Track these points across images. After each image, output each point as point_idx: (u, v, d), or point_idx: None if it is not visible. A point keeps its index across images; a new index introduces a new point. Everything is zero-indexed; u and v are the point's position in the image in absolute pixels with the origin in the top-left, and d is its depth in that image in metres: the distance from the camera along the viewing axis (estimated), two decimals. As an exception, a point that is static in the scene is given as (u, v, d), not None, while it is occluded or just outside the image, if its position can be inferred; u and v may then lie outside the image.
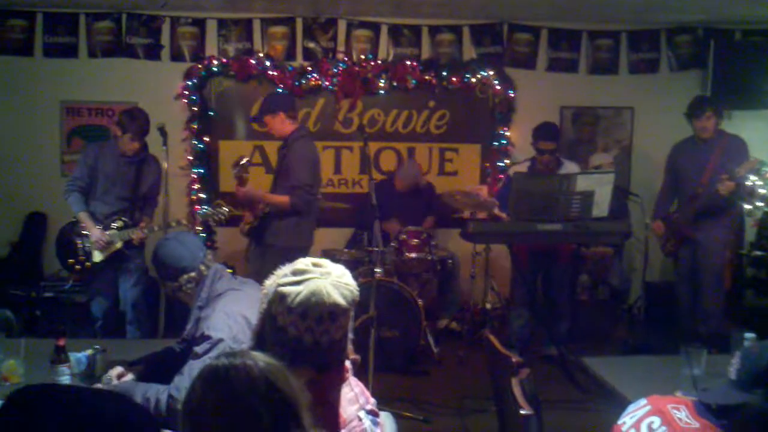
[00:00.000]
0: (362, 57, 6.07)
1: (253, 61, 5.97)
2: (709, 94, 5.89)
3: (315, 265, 1.71)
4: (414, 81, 6.07)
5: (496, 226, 4.73)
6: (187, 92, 5.97)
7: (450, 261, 5.65)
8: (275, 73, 5.98)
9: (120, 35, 5.98)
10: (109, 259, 4.51)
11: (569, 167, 4.94)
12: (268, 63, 5.98)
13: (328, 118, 6.18)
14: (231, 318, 2.42)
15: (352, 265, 4.83)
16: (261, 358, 1.36)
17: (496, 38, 6.22)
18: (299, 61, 6.09)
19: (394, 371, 4.66)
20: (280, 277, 1.69)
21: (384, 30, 6.14)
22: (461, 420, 4.09)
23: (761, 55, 5.92)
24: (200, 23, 6.03)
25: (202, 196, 6.02)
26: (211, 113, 6.09)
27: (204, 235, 5.81)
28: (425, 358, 4.96)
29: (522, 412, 2.06)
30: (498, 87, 6.14)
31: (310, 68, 6.02)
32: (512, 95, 6.17)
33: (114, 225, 4.49)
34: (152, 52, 6.01)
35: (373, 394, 1.81)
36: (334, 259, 1.81)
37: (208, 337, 2.38)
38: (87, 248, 4.48)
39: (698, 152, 4.88)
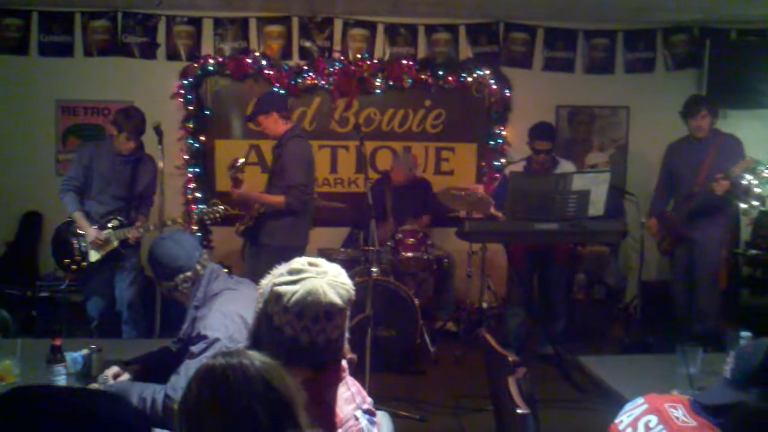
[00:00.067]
0: (358, 56, 6.07)
1: (249, 60, 5.96)
2: (705, 93, 5.90)
3: (311, 264, 1.70)
4: (410, 80, 6.06)
5: (492, 225, 4.73)
6: (183, 91, 5.96)
7: (446, 260, 5.65)
8: (271, 73, 5.97)
9: (116, 34, 5.96)
10: (105, 259, 4.49)
11: (565, 166, 4.95)
12: (264, 62, 5.97)
13: (325, 118, 6.17)
14: (227, 317, 2.41)
15: (349, 265, 4.84)
16: (257, 358, 1.36)
17: (493, 37, 6.22)
18: (295, 60, 6.09)
19: (390, 370, 4.65)
20: (276, 277, 1.68)
21: (380, 29, 6.14)
22: (458, 419, 4.09)
23: (757, 54, 5.95)
24: (196, 22, 6.02)
25: (198, 195, 6.00)
26: (207, 112, 6.08)
27: (200, 234, 5.79)
28: (422, 357, 4.96)
29: (519, 411, 2.06)
30: (494, 86, 6.14)
31: (306, 67, 6.01)
32: (508, 94, 6.19)
33: (110, 224, 4.47)
34: (148, 51, 6.00)
35: (370, 394, 1.81)
36: (331, 259, 1.80)
37: (205, 337, 2.37)
38: (83, 248, 4.47)
39: (694, 151, 4.88)
